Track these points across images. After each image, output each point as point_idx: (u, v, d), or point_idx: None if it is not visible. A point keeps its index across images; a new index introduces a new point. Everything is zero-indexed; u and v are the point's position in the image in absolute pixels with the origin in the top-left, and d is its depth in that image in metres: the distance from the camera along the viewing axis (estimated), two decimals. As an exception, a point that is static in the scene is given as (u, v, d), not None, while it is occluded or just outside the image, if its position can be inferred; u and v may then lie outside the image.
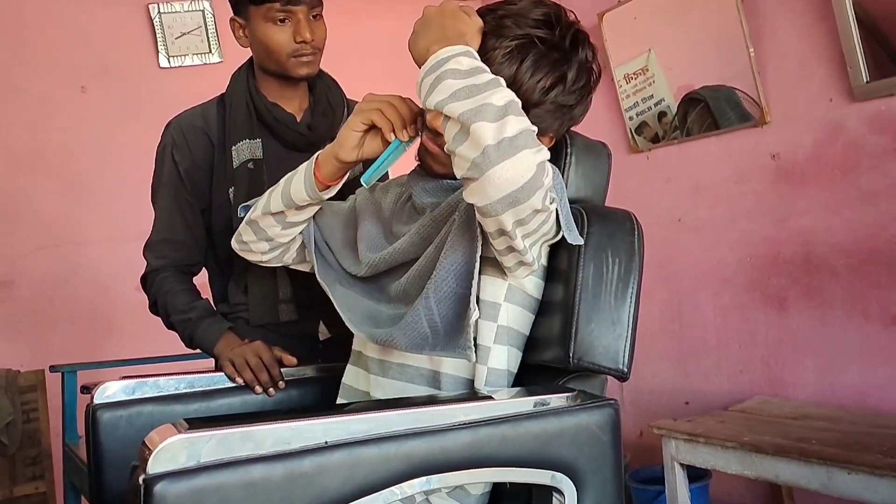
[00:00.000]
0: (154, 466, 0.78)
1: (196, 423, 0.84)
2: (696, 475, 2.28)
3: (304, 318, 1.62)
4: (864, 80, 2.13)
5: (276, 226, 1.37)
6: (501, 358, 1.15)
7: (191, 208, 1.63)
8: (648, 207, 2.78)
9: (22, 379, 2.69)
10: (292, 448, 0.85)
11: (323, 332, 1.65)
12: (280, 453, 0.84)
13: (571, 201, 1.24)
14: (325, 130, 1.66)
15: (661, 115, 2.81)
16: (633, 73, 2.87)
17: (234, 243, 1.46)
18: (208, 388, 1.40)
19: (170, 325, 1.59)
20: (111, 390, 1.34)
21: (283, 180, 1.34)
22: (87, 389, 1.81)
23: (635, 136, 2.89)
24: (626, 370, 1.15)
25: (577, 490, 1.02)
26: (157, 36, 3.08)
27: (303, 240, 1.40)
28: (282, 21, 1.53)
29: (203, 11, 3.17)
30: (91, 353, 2.70)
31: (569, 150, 1.26)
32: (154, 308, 1.62)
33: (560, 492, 1.02)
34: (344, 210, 1.42)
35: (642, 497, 2.48)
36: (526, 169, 0.92)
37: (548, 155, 0.96)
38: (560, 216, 1.08)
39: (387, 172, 1.39)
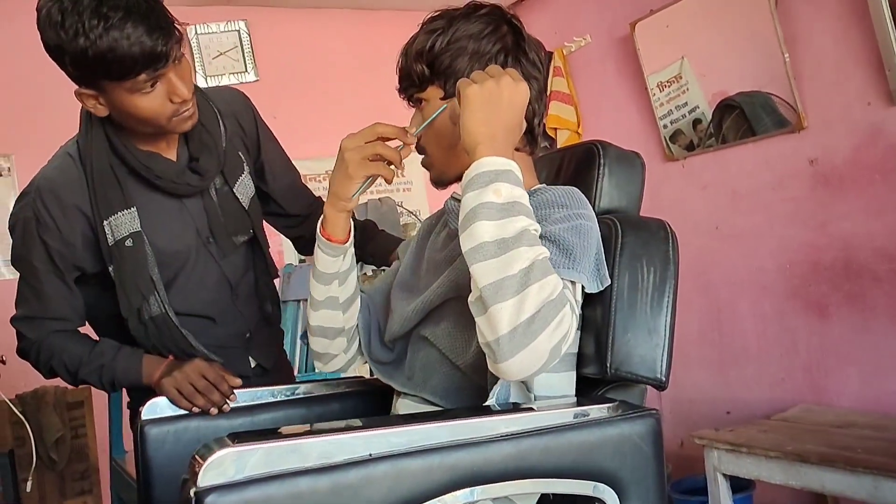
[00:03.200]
0: (204, 479, 0.80)
1: (243, 437, 0.86)
2: (739, 486, 2.26)
3: (232, 358, 1.55)
4: (903, 83, 2.11)
5: (337, 312, 1.33)
6: (551, 384, 1.15)
7: (66, 284, 1.46)
8: (685, 216, 2.77)
9: (70, 395, 2.75)
10: (337, 461, 0.86)
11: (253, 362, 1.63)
12: (325, 466, 0.85)
13: (605, 212, 1.25)
14: (214, 170, 1.50)
15: (696, 122, 2.79)
16: (667, 81, 2.86)
17: (321, 367, 1.40)
18: (252, 403, 1.42)
19: (81, 381, 1.49)
20: (159, 406, 1.37)
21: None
22: (130, 405, 1.83)
23: (670, 144, 2.88)
24: (664, 379, 1.15)
25: (620, 501, 1.02)
26: (195, 56, 3.15)
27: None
28: (152, 84, 1.31)
29: (239, 31, 3.24)
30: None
31: (602, 161, 1.27)
32: (52, 373, 1.50)
33: (603, 502, 1.02)
34: (391, 277, 1.41)
35: (685, 508, 2.46)
36: (539, 357, 0.95)
37: (571, 324, 0.97)
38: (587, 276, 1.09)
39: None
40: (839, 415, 2.24)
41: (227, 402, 1.37)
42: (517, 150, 1.18)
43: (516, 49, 1.20)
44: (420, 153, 1.27)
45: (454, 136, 1.18)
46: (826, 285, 2.38)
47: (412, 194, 3.37)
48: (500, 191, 1.00)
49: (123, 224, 1.44)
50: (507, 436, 0.96)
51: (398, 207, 3.14)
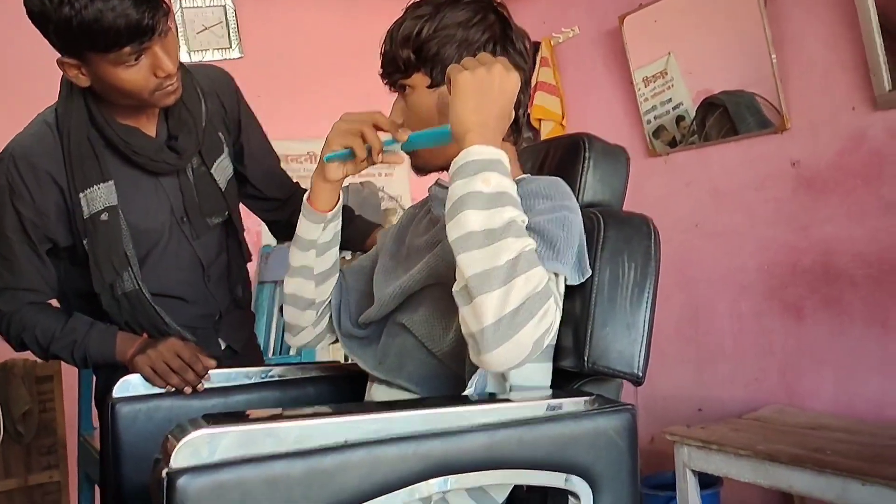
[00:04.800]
0: (177, 460, 0.79)
1: (218, 419, 0.85)
2: (707, 482, 2.28)
3: (202, 339, 1.53)
4: (887, 89, 2.12)
5: (309, 282, 1.34)
6: (526, 374, 1.15)
7: (38, 256, 1.44)
8: (667, 212, 2.77)
9: (39, 369, 2.72)
10: (313, 446, 0.86)
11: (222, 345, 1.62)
12: (301, 451, 0.85)
13: (588, 205, 1.25)
14: (192, 149, 1.49)
15: (680, 119, 2.80)
16: (653, 77, 2.86)
17: (290, 339, 1.42)
18: (226, 385, 1.41)
19: (52, 356, 1.47)
20: (131, 384, 1.35)
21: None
22: (103, 381, 1.81)
23: (653, 139, 2.89)
24: (640, 375, 1.15)
25: (593, 494, 1.02)
26: (179, 30, 3.10)
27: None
28: (137, 58, 1.29)
29: (224, 7, 3.19)
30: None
31: (587, 155, 1.27)
32: (22, 346, 1.48)
33: (576, 496, 1.02)
34: (368, 260, 1.42)
35: (653, 503, 2.48)
36: (522, 349, 0.95)
37: (555, 317, 0.98)
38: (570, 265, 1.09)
39: None
40: (812, 417, 2.26)
41: (201, 382, 1.36)
42: (502, 139, 1.18)
43: (504, 38, 1.20)
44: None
45: (434, 122, 1.19)
46: (804, 288, 2.40)
47: (394, 179, 3.36)
48: (489, 180, 0.99)
49: (100, 197, 1.41)
50: (482, 426, 0.96)
51: (380, 192, 3.13)
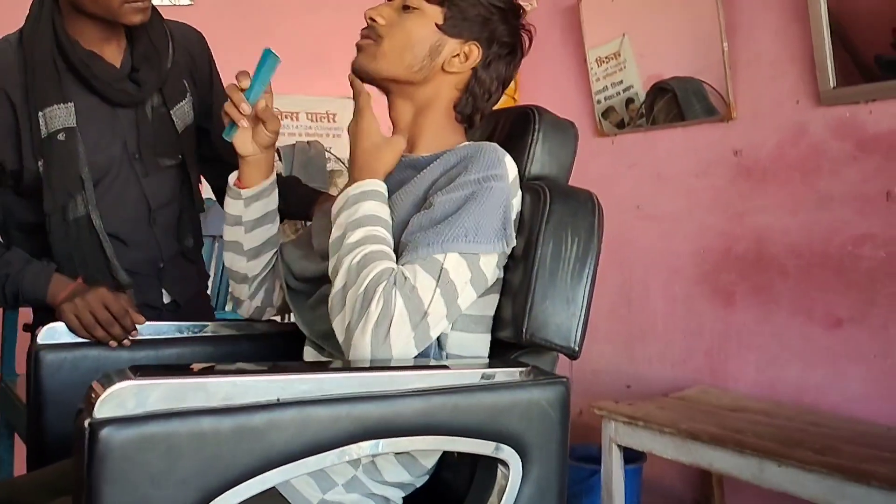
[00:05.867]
0: (101, 411, 0.76)
1: (146, 371, 0.82)
2: (631, 457, 2.33)
3: (143, 286, 1.52)
4: (832, 86, 2.17)
5: (241, 258, 1.35)
6: (464, 344, 1.15)
7: None
8: (610, 192, 2.79)
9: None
10: (243, 402, 0.84)
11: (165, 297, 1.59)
12: (231, 407, 0.83)
13: (535, 177, 1.25)
14: (153, 83, 1.49)
15: (629, 101, 2.82)
16: (606, 57, 2.87)
17: (238, 311, 1.45)
18: (157, 337, 1.38)
19: None
20: (56, 331, 1.31)
21: None
22: (28, 327, 1.75)
23: (602, 120, 2.91)
24: (577, 349, 1.16)
25: (522, 464, 1.03)
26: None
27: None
28: None
29: (174, -50, 3.08)
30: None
31: (537, 126, 1.27)
32: None
33: (506, 464, 1.03)
34: (303, 237, 1.41)
35: (577, 475, 2.53)
36: (365, 350, 1.02)
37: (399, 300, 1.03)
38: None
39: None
40: (734, 398, 2.33)
41: (127, 338, 1.33)
42: (457, 120, 1.25)
43: (512, 45, 1.25)
44: (364, 35, 1.23)
45: (419, 56, 1.19)
46: (735, 274, 2.46)
47: (342, 140, 3.31)
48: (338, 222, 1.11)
49: (59, 117, 1.40)
50: (417, 391, 0.96)
51: (326, 153, 3.08)
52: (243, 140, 1.27)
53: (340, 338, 1.05)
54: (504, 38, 1.23)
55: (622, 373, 2.83)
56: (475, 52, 1.21)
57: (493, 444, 1.02)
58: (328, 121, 3.28)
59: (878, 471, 1.64)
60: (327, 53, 3.30)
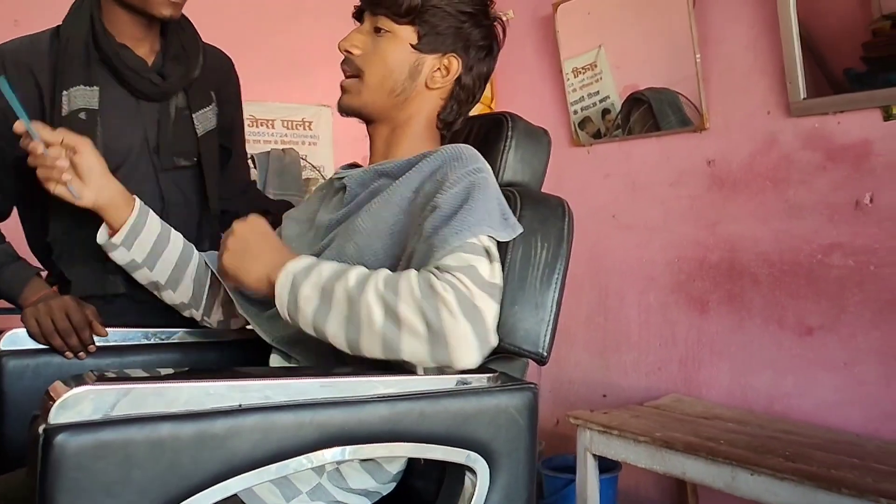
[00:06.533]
0: (56, 417, 0.75)
1: (105, 376, 0.81)
2: (606, 466, 2.33)
3: (134, 289, 1.50)
4: (802, 97, 2.19)
5: (167, 292, 1.36)
6: None
7: (1, 153, 1.47)
8: (586, 201, 2.81)
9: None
10: (204, 408, 0.83)
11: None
12: (191, 413, 0.82)
13: (508, 184, 1.25)
14: (178, 79, 1.54)
15: (605, 111, 2.84)
16: (582, 68, 2.89)
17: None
18: (122, 343, 1.36)
19: None
20: (19, 337, 1.29)
21: None
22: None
23: (578, 130, 2.92)
24: (545, 354, 1.15)
25: (490, 471, 1.02)
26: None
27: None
28: None
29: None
30: None
31: (510, 133, 1.27)
32: None
33: (473, 471, 1.02)
34: None
35: (553, 485, 2.53)
36: (466, 339, 0.98)
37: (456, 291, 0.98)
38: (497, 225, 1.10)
39: None
40: (707, 407, 2.34)
41: (84, 350, 1.31)
42: (439, 130, 1.25)
43: (483, 42, 1.24)
44: (345, 72, 1.23)
45: (400, 80, 1.19)
46: (709, 282, 2.47)
47: (317, 148, 3.30)
48: (309, 298, 1.03)
49: (82, 97, 1.44)
50: (383, 397, 0.95)
51: (301, 160, 3.06)
52: (79, 190, 1.24)
53: (426, 355, 0.98)
54: (479, 41, 1.23)
55: (598, 382, 2.83)
56: (455, 64, 1.22)
57: (465, 452, 1.01)
58: (304, 128, 3.27)
59: (848, 477, 1.65)
60: (303, 61, 3.30)
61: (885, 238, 2.04)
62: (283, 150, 3.02)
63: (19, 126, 1.20)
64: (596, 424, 2.15)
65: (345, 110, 1.24)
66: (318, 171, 3.18)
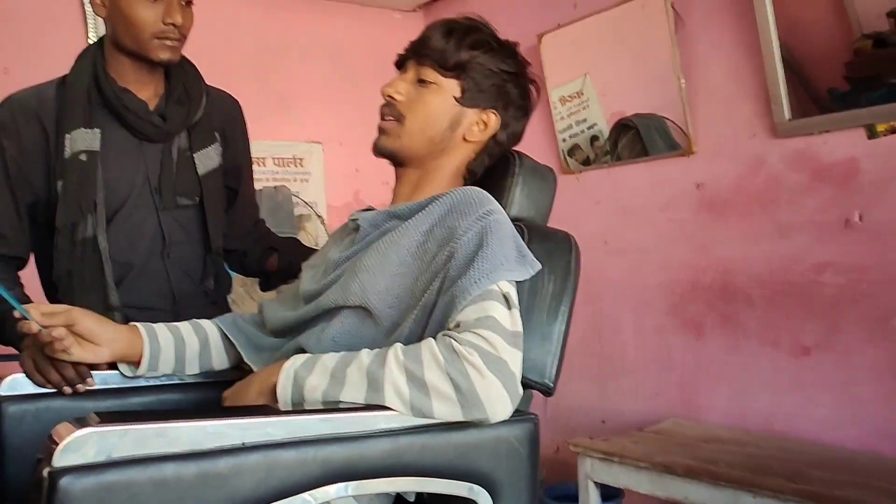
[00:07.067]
0: (60, 460, 0.75)
1: (107, 418, 0.82)
2: (609, 494, 2.32)
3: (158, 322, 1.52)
4: (787, 118, 2.22)
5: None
6: None
7: (15, 198, 1.52)
8: (577, 228, 2.79)
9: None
10: (207, 448, 0.83)
11: None
12: (194, 452, 0.82)
13: (514, 219, 1.26)
14: (179, 120, 1.58)
15: (594, 138, 2.87)
16: (569, 96, 2.92)
17: None
18: (123, 386, 1.36)
19: None
20: (20, 383, 1.29)
21: None
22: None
23: (567, 157, 2.95)
24: (552, 385, 1.17)
25: (492, 502, 1.02)
26: (87, 17, 2.99)
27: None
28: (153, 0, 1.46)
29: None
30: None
31: (516, 171, 1.29)
32: None
33: (475, 503, 1.02)
34: (289, 290, 1.40)
35: (556, 513, 2.51)
36: (496, 390, 0.99)
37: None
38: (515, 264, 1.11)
39: None
40: (707, 429, 2.34)
41: (83, 381, 1.29)
42: (463, 177, 1.29)
43: (521, 102, 1.30)
44: (385, 115, 1.25)
45: (440, 130, 1.23)
46: (703, 305, 2.48)
47: (309, 185, 3.32)
48: (315, 386, 1.03)
49: (83, 139, 1.49)
50: (384, 432, 0.96)
51: (293, 198, 3.08)
52: (82, 355, 1.24)
53: (461, 416, 0.99)
54: (518, 100, 1.29)
55: (597, 408, 2.83)
56: (493, 119, 1.26)
57: (463, 483, 1.01)
58: (295, 165, 3.29)
59: (850, 496, 1.65)
60: (292, 99, 3.34)
61: (876, 255, 2.06)
62: (275, 187, 3.04)
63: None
64: (596, 452, 2.15)
65: (381, 151, 1.26)
66: (311, 207, 3.19)
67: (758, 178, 2.34)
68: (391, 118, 1.24)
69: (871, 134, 2.07)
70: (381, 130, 1.26)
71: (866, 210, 2.08)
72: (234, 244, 1.80)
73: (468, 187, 1.19)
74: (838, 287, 2.13)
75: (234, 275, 1.88)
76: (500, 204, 1.23)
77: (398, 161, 1.28)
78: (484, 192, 1.18)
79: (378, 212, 1.26)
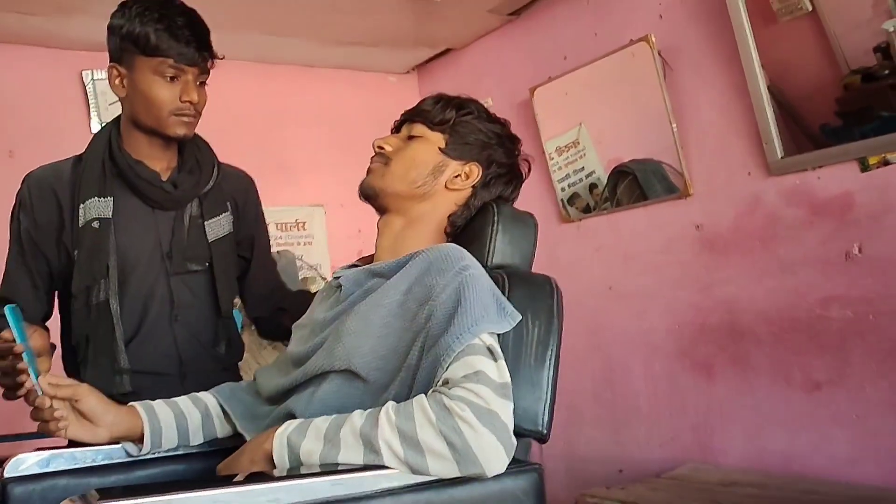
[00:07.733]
0: (62, 539, 0.75)
1: (110, 493, 0.82)
2: (629, 544, 2.28)
3: (167, 387, 1.52)
4: (779, 156, 2.25)
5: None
6: None
7: (29, 268, 1.59)
8: (580, 276, 2.84)
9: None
10: (209, 518, 0.83)
11: None
12: (198, 523, 0.82)
13: (497, 267, 1.27)
14: (190, 188, 1.63)
15: (592, 186, 2.89)
16: (565, 146, 2.96)
17: None
18: (127, 460, 1.35)
19: None
20: (25, 463, 1.28)
21: None
22: (-1, 461, 1.72)
23: (567, 206, 2.97)
24: (545, 432, 1.16)
25: (501, 557, 1.01)
26: (90, 102, 3.07)
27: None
28: (172, 79, 1.52)
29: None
30: (2, 425, 2.59)
31: (496, 219, 1.30)
32: None
33: (484, 559, 1.01)
34: (282, 356, 1.41)
35: (577, 568, 2.46)
36: (490, 444, 0.99)
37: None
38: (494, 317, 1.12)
39: None
40: (724, 473, 2.30)
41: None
42: (445, 231, 1.32)
43: (510, 166, 1.36)
44: (374, 161, 1.32)
45: (423, 174, 1.28)
46: (712, 346, 2.47)
47: (313, 248, 3.35)
48: (311, 452, 1.04)
49: (96, 208, 1.56)
50: (387, 491, 0.95)
51: (298, 261, 3.10)
52: (77, 433, 1.26)
53: (457, 472, 0.99)
54: (502, 160, 1.34)
55: (613, 457, 2.79)
56: (475, 172, 1.31)
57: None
58: (298, 229, 3.32)
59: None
60: (290, 164, 3.39)
61: (880, 286, 2.05)
62: (278, 252, 3.06)
63: (22, 365, 1.24)
64: (614, 501, 2.11)
65: (364, 190, 1.32)
66: (315, 269, 3.21)
67: (755, 216, 2.35)
68: (378, 162, 1.32)
69: (864, 167, 2.09)
70: (368, 171, 1.32)
71: (865, 242, 2.08)
72: (254, 312, 1.84)
73: (445, 245, 1.21)
74: (845, 321, 2.12)
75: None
76: (483, 253, 1.25)
77: (381, 206, 1.32)
78: (460, 248, 1.19)
79: (359, 270, 1.28)
